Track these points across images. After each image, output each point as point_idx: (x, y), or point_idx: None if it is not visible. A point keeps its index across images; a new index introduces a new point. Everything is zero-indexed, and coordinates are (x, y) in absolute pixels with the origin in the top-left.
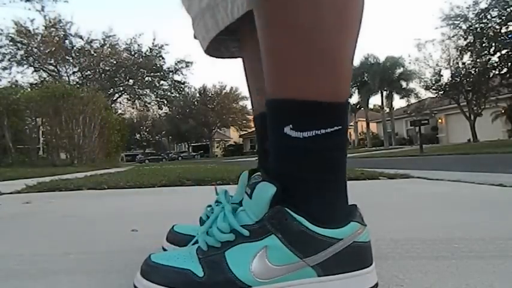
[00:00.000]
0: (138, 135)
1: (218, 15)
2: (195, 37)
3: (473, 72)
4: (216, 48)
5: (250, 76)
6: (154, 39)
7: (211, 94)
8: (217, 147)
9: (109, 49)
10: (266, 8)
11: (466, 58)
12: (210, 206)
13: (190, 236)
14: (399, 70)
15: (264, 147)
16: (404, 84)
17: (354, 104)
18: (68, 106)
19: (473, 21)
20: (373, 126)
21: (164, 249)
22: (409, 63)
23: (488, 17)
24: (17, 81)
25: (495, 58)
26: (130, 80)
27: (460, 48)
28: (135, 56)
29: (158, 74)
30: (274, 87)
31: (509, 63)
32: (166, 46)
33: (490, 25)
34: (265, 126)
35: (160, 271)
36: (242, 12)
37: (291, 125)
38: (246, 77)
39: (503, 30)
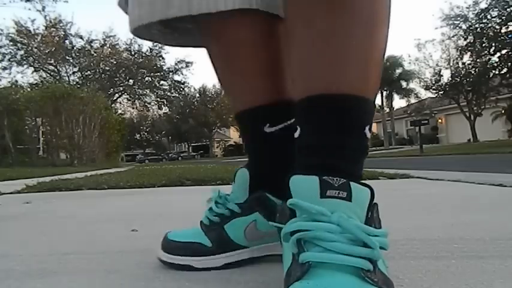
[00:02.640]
0: (138, 135)
1: None
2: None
3: (473, 72)
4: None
5: (245, 72)
6: None
7: (211, 94)
8: (217, 147)
9: (109, 49)
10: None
11: (466, 58)
12: (210, 208)
13: (184, 243)
14: (399, 70)
15: (255, 144)
16: (404, 84)
17: None
18: (68, 106)
19: (473, 21)
20: (373, 126)
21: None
22: (409, 63)
23: (488, 17)
24: (17, 81)
25: (495, 58)
26: (131, 80)
27: (460, 48)
28: (135, 56)
29: (158, 74)
30: (360, 85)
31: (509, 63)
32: (166, 46)
33: (490, 25)
34: (258, 121)
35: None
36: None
37: (368, 126)
38: (228, 74)
39: (503, 30)
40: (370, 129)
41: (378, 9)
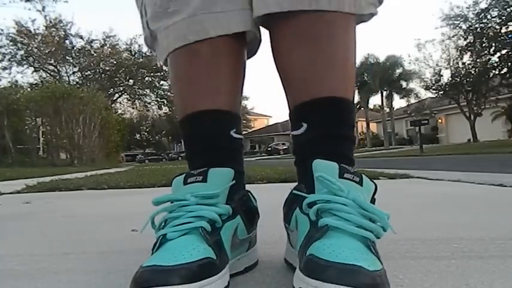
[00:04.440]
0: (138, 135)
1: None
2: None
3: (473, 72)
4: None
5: (214, 75)
6: None
7: None
8: None
9: (109, 49)
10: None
11: (466, 58)
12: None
13: (194, 264)
14: (399, 70)
15: (226, 143)
16: (404, 84)
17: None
18: (68, 106)
19: (473, 21)
20: (373, 126)
21: None
22: (409, 63)
23: (488, 17)
24: (17, 81)
25: (495, 58)
26: (131, 80)
27: (460, 48)
28: (136, 56)
29: (158, 74)
30: (346, 90)
31: (509, 63)
32: None
33: (490, 25)
34: (228, 124)
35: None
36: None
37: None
38: (193, 77)
39: (503, 30)
40: (354, 126)
41: (351, 36)
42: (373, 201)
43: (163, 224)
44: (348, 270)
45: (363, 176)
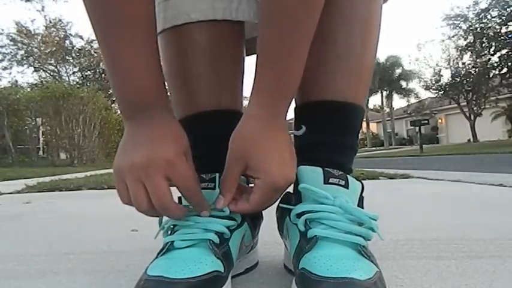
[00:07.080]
0: None
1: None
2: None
3: (473, 72)
4: None
5: (220, 73)
6: None
7: None
8: None
9: None
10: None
11: (466, 58)
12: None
13: (201, 278)
14: (399, 70)
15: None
16: (404, 84)
17: None
18: (68, 106)
19: (473, 21)
20: (373, 126)
21: None
22: (409, 63)
23: (488, 17)
24: (17, 81)
25: (495, 58)
26: None
27: (460, 48)
28: None
29: None
30: (357, 94)
31: (509, 63)
32: None
33: (490, 25)
34: (229, 123)
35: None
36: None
37: (359, 128)
38: (201, 72)
39: (503, 30)
40: (360, 131)
41: (372, 30)
42: (361, 200)
43: (171, 228)
44: (341, 284)
45: (349, 177)
